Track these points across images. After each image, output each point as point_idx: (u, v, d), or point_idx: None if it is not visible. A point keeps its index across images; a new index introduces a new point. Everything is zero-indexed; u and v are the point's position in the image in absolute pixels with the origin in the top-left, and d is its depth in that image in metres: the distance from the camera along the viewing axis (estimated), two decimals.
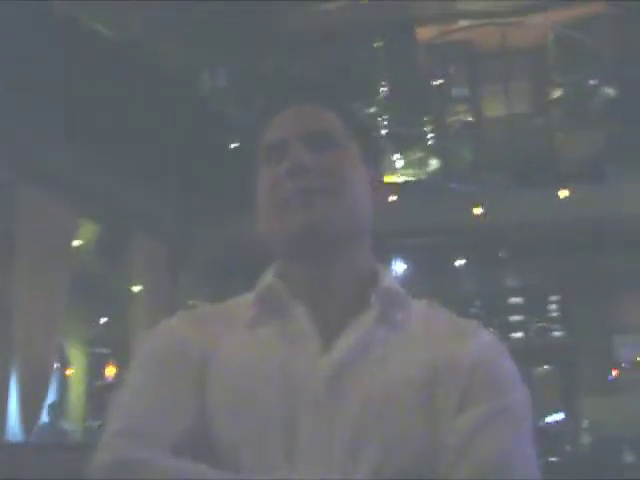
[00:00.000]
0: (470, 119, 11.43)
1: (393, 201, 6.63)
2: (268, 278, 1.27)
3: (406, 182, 10.42)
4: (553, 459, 7.85)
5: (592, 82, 10.69)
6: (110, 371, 12.48)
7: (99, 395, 12.48)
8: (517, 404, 1.13)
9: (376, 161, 1.37)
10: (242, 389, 1.14)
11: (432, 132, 11.18)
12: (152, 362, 1.21)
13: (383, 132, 10.59)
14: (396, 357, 1.15)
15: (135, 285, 9.58)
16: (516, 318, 11.07)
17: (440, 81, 11.38)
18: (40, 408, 7.54)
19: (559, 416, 10.36)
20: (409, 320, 1.21)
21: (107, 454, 1.10)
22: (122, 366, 11.65)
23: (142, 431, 1.11)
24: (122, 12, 7.67)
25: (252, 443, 1.10)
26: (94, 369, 12.66)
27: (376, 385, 1.12)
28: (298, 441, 1.09)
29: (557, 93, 11.06)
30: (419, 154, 10.96)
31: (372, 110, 10.60)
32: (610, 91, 10.55)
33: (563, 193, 9.08)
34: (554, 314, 11.38)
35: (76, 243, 8.75)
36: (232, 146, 9.25)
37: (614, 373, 10.72)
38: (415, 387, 1.12)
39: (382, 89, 10.79)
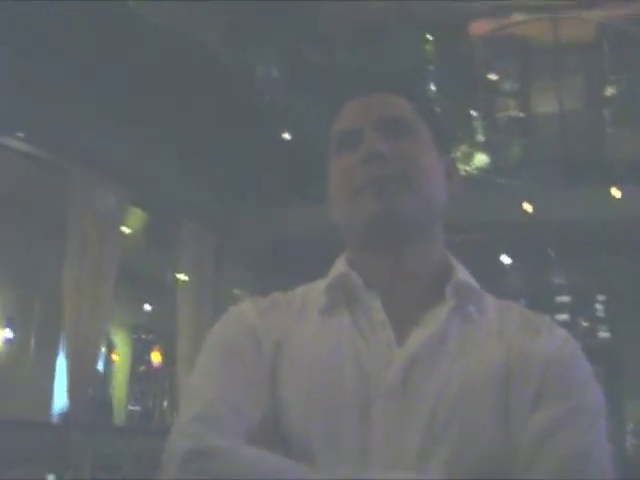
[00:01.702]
0: (521, 114, 11.30)
1: None
2: (342, 266, 1.24)
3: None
4: None
5: None
6: (156, 357, 12.63)
7: (141, 380, 12.64)
8: (592, 403, 1.12)
9: (448, 149, 1.35)
10: (315, 379, 1.13)
11: (482, 127, 11.08)
12: (225, 349, 1.19)
13: None
14: (470, 351, 1.14)
15: (182, 273, 9.66)
16: (562, 317, 10.94)
17: (491, 76, 11.26)
18: (87, 390, 7.66)
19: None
20: (483, 314, 1.19)
21: (185, 440, 1.07)
22: (166, 352, 11.78)
23: (219, 418, 1.09)
24: (177, 4, 7.73)
25: (324, 435, 1.09)
26: (139, 354, 12.81)
27: (450, 379, 1.10)
28: (371, 433, 1.08)
29: (610, 90, 10.87)
30: (468, 149, 10.88)
31: None
32: None
33: (613, 192, 8.93)
34: (600, 314, 11.22)
35: (125, 230, 8.85)
36: (283, 136, 9.27)
37: None
38: (489, 382, 1.10)
39: (432, 83, 10.72)
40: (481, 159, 10.90)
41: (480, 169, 10.75)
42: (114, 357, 12.26)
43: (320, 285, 1.25)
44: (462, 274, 1.22)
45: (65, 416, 7.69)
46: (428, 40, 10.72)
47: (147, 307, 12.16)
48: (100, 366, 8.61)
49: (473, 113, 11.11)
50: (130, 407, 12.46)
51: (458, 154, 10.63)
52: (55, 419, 8.97)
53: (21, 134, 7.28)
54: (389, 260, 1.20)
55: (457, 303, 1.18)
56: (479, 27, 10.72)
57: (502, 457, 1.07)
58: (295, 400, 1.13)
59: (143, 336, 12.86)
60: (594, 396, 1.13)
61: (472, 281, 1.23)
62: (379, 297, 1.18)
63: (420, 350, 1.13)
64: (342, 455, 1.07)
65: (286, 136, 9.25)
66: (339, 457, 1.07)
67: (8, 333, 9.40)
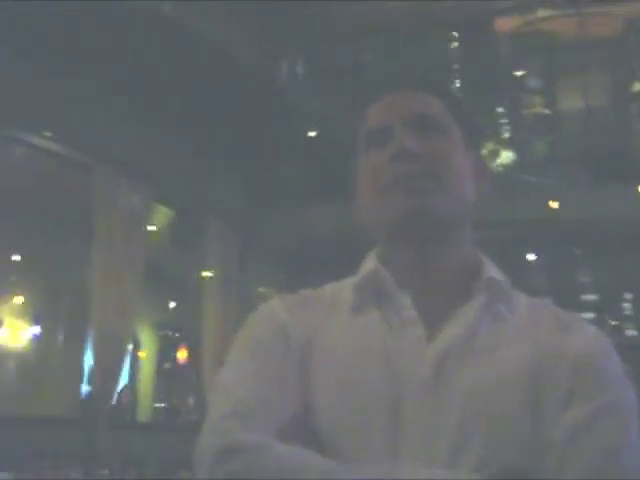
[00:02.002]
0: (547, 111, 11.23)
1: None
2: (371, 264, 1.24)
3: None
4: None
5: None
6: (181, 354, 12.70)
7: (167, 377, 12.72)
8: (624, 401, 1.11)
9: (477, 146, 1.33)
10: (345, 375, 1.13)
11: (508, 124, 11.02)
12: (255, 346, 1.19)
13: None
14: (501, 349, 1.13)
15: (207, 271, 9.71)
16: (589, 315, 10.85)
17: (517, 72, 11.20)
18: (114, 387, 7.72)
19: None
20: (513, 312, 1.19)
21: (217, 437, 1.07)
22: (192, 350, 11.84)
23: (250, 415, 1.09)
24: (201, 4, 7.76)
25: (355, 431, 1.09)
26: (164, 352, 12.89)
27: (481, 376, 1.10)
28: (401, 430, 1.08)
29: (637, 85, 10.77)
30: (494, 146, 10.83)
31: None
32: None
33: None
34: (628, 312, 11.13)
35: (151, 227, 8.90)
36: (309, 135, 9.28)
37: None
38: (520, 379, 1.10)
39: (458, 81, 10.68)
40: (507, 156, 10.84)
41: (506, 166, 10.70)
42: (140, 354, 12.35)
43: (349, 282, 1.25)
44: (492, 271, 1.21)
45: (92, 413, 7.75)
46: (454, 37, 10.68)
47: (173, 305, 12.24)
48: (127, 363, 8.66)
49: (499, 110, 11.06)
50: (156, 404, 12.54)
51: (484, 151, 10.58)
52: (82, 416, 9.05)
53: (48, 133, 7.35)
54: (419, 257, 1.19)
55: (487, 300, 1.18)
56: (505, 24, 10.67)
57: (533, 454, 1.06)
58: (325, 397, 1.13)
59: (169, 333, 12.94)
60: (626, 393, 1.12)
61: (502, 278, 1.22)
62: (409, 294, 1.18)
63: (451, 346, 1.13)
64: (373, 452, 1.07)
65: (312, 135, 9.25)
66: (370, 454, 1.06)
67: (35, 330, 9.49)
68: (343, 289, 1.25)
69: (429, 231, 1.18)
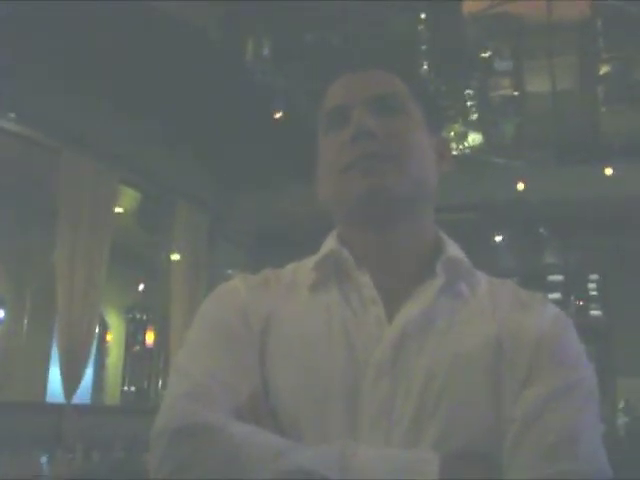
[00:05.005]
0: (514, 93, 11.28)
1: None
2: (331, 243, 1.24)
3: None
4: None
5: None
6: (149, 337, 12.64)
7: (135, 360, 12.67)
8: (584, 380, 1.12)
9: (440, 127, 1.33)
10: (304, 356, 1.13)
11: (475, 106, 11.05)
12: (214, 325, 1.19)
13: None
14: (461, 328, 1.13)
15: (175, 253, 9.67)
16: (554, 296, 10.98)
17: (484, 54, 11.23)
18: (82, 371, 7.66)
19: None
20: (474, 291, 1.19)
21: (172, 418, 1.07)
22: (161, 332, 11.80)
23: (206, 395, 1.08)
24: None
25: (313, 412, 1.09)
26: (132, 335, 12.82)
27: (440, 356, 1.10)
28: (359, 410, 1.08)
29: (604, 68, 10.85)
30: (461, 128, 10.86)
31: None
32: None
33: (607, 171, 8.94)
34: (593, 293, 11.27)
35: (118, 210, 8.83)
36: (275, 116, 9.23)
37: None
38: (479, 359, 1.10)
39: (425, 62, 10.68)
40: (474, 138, 10.89)
41: (473, 148, 10.74)
42: (108, 338, 12.27)
43: (310, 262, 1.25)
44: (453, 250, 1.22)
45: (59, 397, 7.70)
46: (421, 18, 10.66)
47: (141, 287, 12.16)
48: (94, 347, 8.59)
49: (466, 92, 11.08)
50: (125, 387, 12.48)
51: (451, 133, 10.62)
52: (49, 400, 8.99)
53: (12, 114, 7.25)
54: (378, 237, 1.19)
55: (447, 279, 1.18)
56: (472, 5, 10.67)
57: (492, 434, 1.06)
58: (283, 376, 1.12)
59: (137, 316, 12.87)
60: (586, 372, 1.13)
61: (463, 257, 1.22)
62: (369, 274, 1.18)
63: (410, 326, 1.13)
64: (330, 432, 1.07)
65: (279, 116, 9.21)
66: (327, 434, 1.06)
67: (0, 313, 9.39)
68: (303, 268, 1.25)
69: (388, 211, 1.18)
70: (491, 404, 1.08)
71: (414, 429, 1.06)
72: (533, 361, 1.10)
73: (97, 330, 8.45)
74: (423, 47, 10.65)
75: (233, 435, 1.03)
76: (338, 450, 1.00)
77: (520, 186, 9.16)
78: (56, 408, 7.61)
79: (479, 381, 1.09)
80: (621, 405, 9.80)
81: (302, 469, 0.98)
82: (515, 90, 11.28)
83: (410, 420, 1.06)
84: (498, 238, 10.44)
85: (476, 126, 10.98)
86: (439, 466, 0.99)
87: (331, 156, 1.21)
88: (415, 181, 1.19)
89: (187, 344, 1.19)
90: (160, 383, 12.07)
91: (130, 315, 12.75)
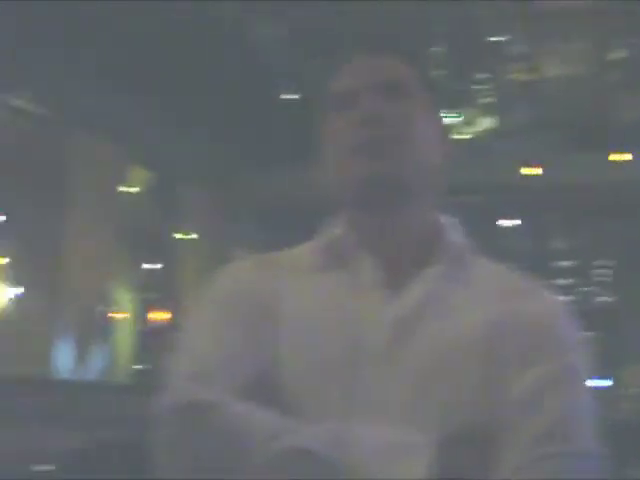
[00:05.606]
0: (526, 78, 11.22)
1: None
2: (334, 227, 1.25)
3: (459, 139, 10.32)
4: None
5: None
6: (158, 315, 12.68)
7: (145, 339, 12.73)
8: (578, 364, 1.13)
9: (441, 112, 1.34)
10: (306, 336, 1.14)
11: (487, 90, 11.01)
12: (221, 304, 1.20)
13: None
14: (460, 312, 1.15)
15: (185, 233, 9.69)
16: (563, 281, 10.96)
17: (498, 38, 11.16)
18: (91, 349, 7.71)
19: (603, 382, 10.29)
20: (474, 276, 1.20)
21: (176, 396, 1.08)
22: (169, 311, 11.85)
23: (211, 373, 1.09)
24: None
25: (314, 390, 1.10)
26: (141, 314, 12.86)
27: (438, 340, 1.11)
28: (358, 391, 1.10)
29: (618, 54, 10.78)
30: (473, 112, 10.83)
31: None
32: None
33: (618, 157, 8.91)
34: (601, 279, 11.26)
35: (127, 189, 8.85)
36: (282, 97, 9.23)
37: None
38: (477, 344, 1.11)
39: (438, 46, 10.63)
40: (486, 122, 10.85)
41: (484, 132, 10.72)
42: (118, 316, 12.32)
43: (315, 244, 1.26)
44: (455, 235, 1.23)
45: (70, 375, 7.76)
46: (434, 1, 10.59)
47: (150, 266, 12.20)
48: (104, 326, 8.64)
49: (478, 76, 11.04)
50: (134, 366, 12.54)
51: (463, 117, 10.59)
52: (60, 377, 9.04)
53: (27, 94, 7.26)
54: (382, 221, 1.21)
55: (447, 264, 1.19)
56: None
57: (489, 419, 1.08)
58: (287, 356, 1.14)
59: (147, 296, 12.90)
60: (579, 357, 1.14)
61: (464, 243, 1.23)
62: (371, 257, 1.19)
63: (409, 310, 1.14)
64: (330, 412, 1.08)
65: (285, 97, 9.20)
66: (326, 413, 1.07)
67: (17, 290, 9.44)
68: (307, 251, 1.26)
69: (393, 195, 1.19)
70: (488, 388, 1.09)
71: (412, 410, 1.07)
72: (529, 345, 1.11)
73: (105, 308, 8.50)
74: (434, 30, 10.59)
75: (233, 414, 1.04)
76: (334, 430, 1.02)
77: (529, 170, 9.14)
78: (67, 385, 7.65)
79: (476, 365, 1.10)
80: (627, 391, 9.82)
81: (297, 449, 0.99)
82: (527, 74, 11.23)
83: (407, 403, 1.08)
84: (507, 222, 10.43)
85: (487, 110, 10.94)
86: (435, 449, 1.00)
87: (336, 139, 1.21)
88: (420, 165, 1.20)
89: (192, 322, 1.21)
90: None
91: (140, 294, 12.78)
